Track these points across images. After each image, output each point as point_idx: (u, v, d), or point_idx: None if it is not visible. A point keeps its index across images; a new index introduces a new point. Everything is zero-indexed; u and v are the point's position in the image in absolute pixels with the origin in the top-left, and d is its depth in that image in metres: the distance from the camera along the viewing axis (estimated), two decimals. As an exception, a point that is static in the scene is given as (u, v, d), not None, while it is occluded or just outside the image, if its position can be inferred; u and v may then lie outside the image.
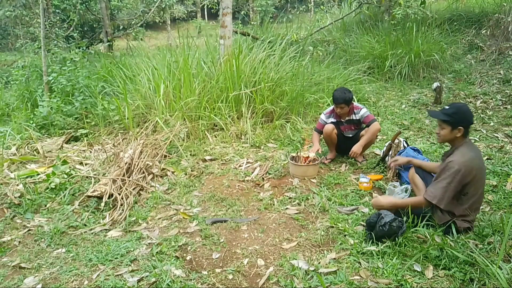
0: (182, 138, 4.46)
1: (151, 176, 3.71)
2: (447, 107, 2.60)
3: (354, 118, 3.89)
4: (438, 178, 2.53)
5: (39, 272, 2.41)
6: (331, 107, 3.97)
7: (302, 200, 3.19)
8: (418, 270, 2.25)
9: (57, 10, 10.36)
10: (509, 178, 3.33)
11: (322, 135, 3.96)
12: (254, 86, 5.01)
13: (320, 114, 4.31)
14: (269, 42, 6.13)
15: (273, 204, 3.16)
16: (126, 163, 3.59)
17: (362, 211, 2.97)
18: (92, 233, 2.85)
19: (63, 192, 3.36)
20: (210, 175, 3.75)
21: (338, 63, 7.08)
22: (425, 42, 7.08)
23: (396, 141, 3.63)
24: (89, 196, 3.22)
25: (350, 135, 3.96)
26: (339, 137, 3.92)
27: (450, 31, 7.97)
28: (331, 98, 3.89)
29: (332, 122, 3.91)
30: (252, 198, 3.29)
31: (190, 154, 4.17)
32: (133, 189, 3.41)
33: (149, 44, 11.47)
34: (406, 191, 3.12)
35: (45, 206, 3.24)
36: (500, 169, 3.53)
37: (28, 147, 4.48)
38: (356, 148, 3.76)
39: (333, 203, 3.13)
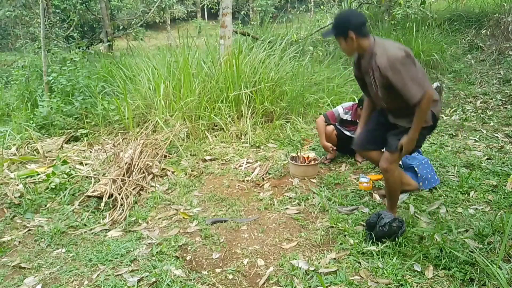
0: (182, 138, 4.46)
1: (151, 176, 3.71)
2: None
3: None
4: (399, 82, 2.24)
5: (39, 272, 2.41)
6: (351, 103, 3.92)
7: (302, 200, 3.19)
8: (418, 270, 2.25)
9: (57, 10, 10.35)
10: (509, 178, 3.33)
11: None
12: (254, 86, 5.01)
13: (320, 114, 4.30)
14: (269, 42, 6.12)
15: (273, 204, 3.16)
16: (126, 163, 3.59)
17: (362, 211, 2.97)
18: (92, 233, 2.85)
19: (63, 192, 3.36)
20: (210, 175, 3.75)
21: (338, 63, 7.07)
22: (425, 42, 7.08)
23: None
24: (89, 196, 3.22)
25: (353, 136, 3.95)
26: (341, 136, 3.91)
27: (450, 31, 7.97)
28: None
29: (346, 120, 3.88)
30: (252, 198, 3.29)
31: (190, 154, 4.17)
32: (133, 189, 3.41)
33: (149, 44, 11.47)
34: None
35: (45, 206, 3.24)
36: (500, 169, 3.53)
37: (28, 147, 4.48)
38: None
39: (333, 203, 3.13)
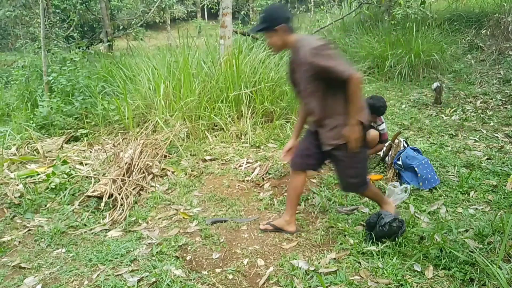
0: (182, 138, 4.46)
1: (151, 176, 3.71)
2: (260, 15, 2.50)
3: (374, 126, 3.87)
4: (326, 64, 2.23)
5: (39, 272, 2.41)
6: None
7: (302, 200, 3.19)
8: (418, 270, 2.25)
9: (57, 10, 10.35)
10: (509, 178, 3.33)
11: None
12: (254, 86, 5.01)
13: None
14: (269, 42, 6.12)
15: (273, 204, 3.16)
16: (126, 163, 3.59)
17: (362, 211, 2.97)
18: (92, 233, 2.85)
19: (63, 192, 3.36)
20: (210, 175, 3.75)
21: (338, 63, 7.06)
22: (425, 42, 7.08)
23: (396, 141, 3.64)
24: (89, 196, 3.22)
25: None
26: None
27: (450, 31, 7.97)
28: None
29: None
30: (252, 198, 3.29)
31: (190, 154, 4.17)
32: (133, 189, 3.41)
33: (149, 44, 11.46)
34: (406, 191, 3.13)
35: (45, 206, 3.24)
36: (500, 169, 3.53)
37: (28, 147, 4.48)
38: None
39: (333, 203, 3.13)
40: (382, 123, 3.88)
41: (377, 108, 3.66)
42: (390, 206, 2.72)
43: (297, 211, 3.00)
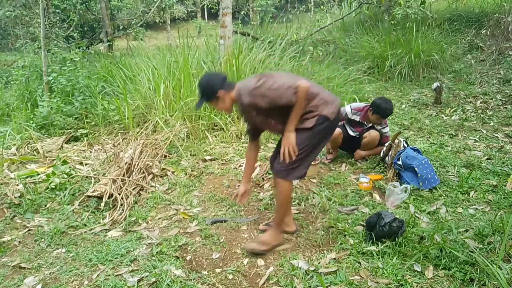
0: (182, 138, 4.46)
1: (151, 176, 3.71)
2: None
3: (378, 128, 3.87)
4: (271, 102, 2.30)
5: (39, 272, 2.41)
6: (362, 105, 3.89)
7: (302, 200, 3.19)
8: (418, 270, 2.25)
9: (57, 10, 10.36)
10: (509, 178, 3.33)
11: None
12: (254, 86, 5.00)
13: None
14: (269, 42, 6.12)
15: (273, 204, 3.16)
16: (126, 163, 3.59)
17: (362, 211, 2.97)
18: (92, 233, 2.85)
19: (63, 192, 3.36)
20: (210, 175, 3.75)
21: (338, 63, 7.08)
22: (425, 42, 7.09)
23: (396, 141, 3.64)
24: (89, 196, 3.22)
25: (357, 136, 3.94)
26: (345, 136, 3.90)
27: (450, 31, 7.98)
28: (372, 104, 3.72)
29: (354, 120, 3.87)
30: (252, 198, 3.29)
31: (190, 154, 4.17)
32: (133, 189, 3.41)
33: (149, 44, 11.45)
34: (406, 191, 3.13)
35: (45, 206, 3.24)
36: (500, 169, 3.53)
37: (28, 147, 4.48)
38: (359, 154, 3.92)
39: (333, 203, 3.13)
40: (387, 126, 3.88)
41: (382, 109, 3.66)
42: (282, 228, 2.61)
43: (297, 211, 3.01)
